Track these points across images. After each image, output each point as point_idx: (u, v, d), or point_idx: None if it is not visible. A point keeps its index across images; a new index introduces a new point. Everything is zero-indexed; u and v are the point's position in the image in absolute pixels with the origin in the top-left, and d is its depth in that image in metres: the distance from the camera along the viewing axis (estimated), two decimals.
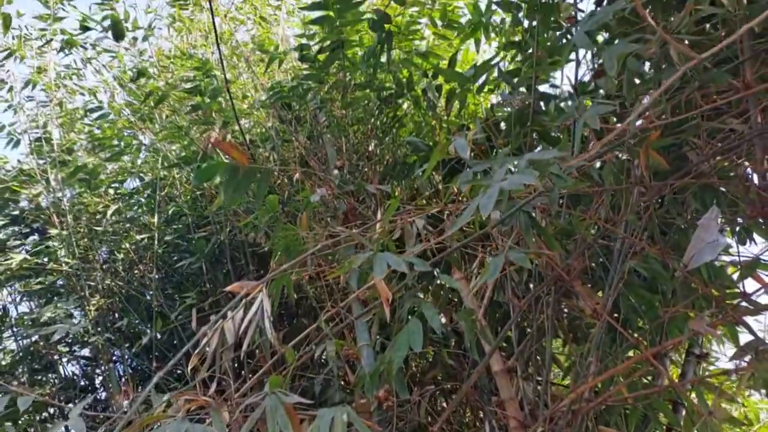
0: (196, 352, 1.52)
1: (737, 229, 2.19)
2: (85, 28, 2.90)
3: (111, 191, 3.37)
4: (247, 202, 2.86)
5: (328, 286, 2.53)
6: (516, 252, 1.34)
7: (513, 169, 1.26)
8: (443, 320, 2.66)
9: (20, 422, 3.06)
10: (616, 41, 1.54)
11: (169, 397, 1.35)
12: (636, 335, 2.15)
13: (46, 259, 3.09)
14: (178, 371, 2.89)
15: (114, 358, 3.41)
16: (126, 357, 3.35)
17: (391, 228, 1.81)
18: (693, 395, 1.99)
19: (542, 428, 1.86)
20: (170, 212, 3.30)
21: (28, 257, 2.99)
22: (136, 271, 3.31)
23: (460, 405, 2.81)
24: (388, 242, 1.83)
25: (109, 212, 3.11)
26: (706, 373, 2.05)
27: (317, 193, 1.96)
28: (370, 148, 3.10)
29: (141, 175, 3.45)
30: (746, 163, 1.97)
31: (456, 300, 2.67)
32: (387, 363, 1.89)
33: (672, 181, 1.85)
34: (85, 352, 3.70)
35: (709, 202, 2.01)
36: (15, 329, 3.36)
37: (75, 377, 3.62)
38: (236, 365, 2.60)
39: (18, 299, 3.55)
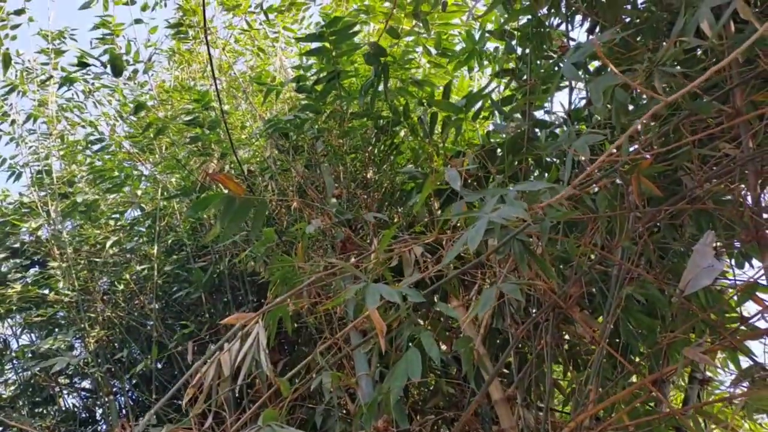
0: (191, 384, 1.52)
1: (734, 252, 2.19)
2: (83, 65, 2.95)
3: (111, 222, 3.39)
4: (246, 232, 2.87)
5: (327, 315, 2.53)
6: (509, 284, 1.34)
7: (504, 199, 1.27)
8: (443, 348, 2.65)
9: None
10: (603, 72, 1.57)
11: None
12: (637, 360, 2.14)
13: (46, 291, 3.10)
14: (178, 402, 2.87)
15: (114, 389, 3.39)
16: (126, 389, 3.34)
17: (387, 257, 1.82)
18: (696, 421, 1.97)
19: None
20: (170, 242, 3.32)
21: (29, 287, 3.00)
22: (136, 302, 3.32)
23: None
24: (385, 272, 1.84)
25: (109, 243, 3.12)
26: (706, 400, 2.03)
27: (313, 224, 1.97)
28: (368, 176, 3.13)
29: (141, 205, 3.47)
30: (741, 187, 1.98)
31: (455, 326, 2.67)
32: (385, 393, 1.88)
33: (666, 207, 1.85)
34: (86, 384, 3.69)
35: (705, 226, 2.01)
36: (15, 362, 3.35)
37: (75, 409, 3.60)
38: (237, 396, 2.59)
39: (18, 332, 3.55)
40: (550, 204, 1.31)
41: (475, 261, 1.70)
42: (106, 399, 3.28)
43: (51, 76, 3.32)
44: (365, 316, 1.65)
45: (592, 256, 2.13)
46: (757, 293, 1.94)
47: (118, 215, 3.49)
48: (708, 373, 2.48)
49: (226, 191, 1.78)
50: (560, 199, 1.12)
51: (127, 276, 3.20)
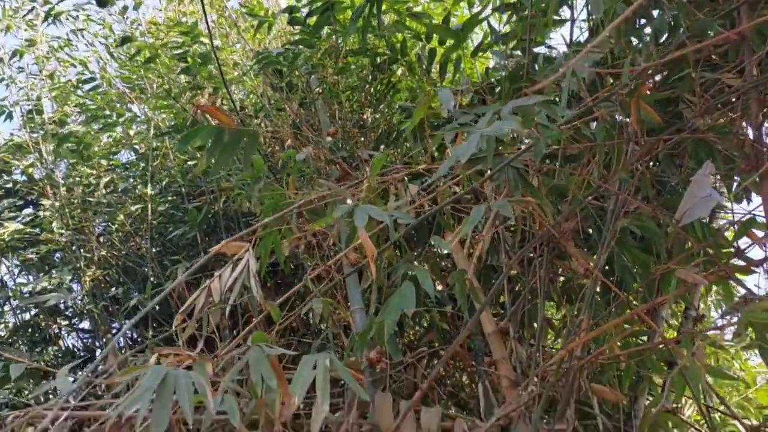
0: (180, 310, 1.51)
1: (732, 185, 2.16)
2: None
3: (104, 162, 3.35)
4: (239, 170, 2.84)
5: (323, 257, 2.52)
6: (499, 202, 1.31)
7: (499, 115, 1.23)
8: (439, 287, 2.65)
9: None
10: None
11: (150, 350, 1.34)
12: (630, 296, 2.14)
13: (39, 231, 3.09)
14: (177, 343, 2.90)
15: (113, 329, 3.42)
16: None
17: (380, 186, 1.79)
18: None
19: (533, 386, 1.86)
20: (164, 183, 3.29)
21: (24, 227, 2.99)
22: (132, 243, 3.31)
23: (455, 368, 2.82)
24: (376, 199, 1.81)
25: (102, 183, 3.09)
26: (698, 328, 2.03)
27: (304, 152, 1.93)
28: (365, 116, 3.07)
29: (134, 146, 3.43)
30: (742, 121, 1.93)
31: (451, 266, 2.66)
32: (378, 324, 1.88)
33: (666, 136, 1.81)
34: (85, 324, 3.72)
35: (704, 158, 1.97)
36: (12, 302, 3.37)
37: (75, 350, 3.63)
38: (232, 327, 2.61)
39: (16, 272, 3.56)
40: (545, 124, 1.27)
41: (470, 188, 1.67)
42: (105, 338, 3.31)
43: (34, 7, 3.21)
44: (357, 245, 1.64)
45: (586, 191, 2.10)
46: (754, 229, 1.92)
47: (111, 156, 3.44)
48: (701, 313, 2.50)
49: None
50: (565, 116, 1.08)
51: (122, 216, 3.19)
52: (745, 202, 2.23)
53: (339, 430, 1.73)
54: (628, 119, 1.89)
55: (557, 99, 1.99)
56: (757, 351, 3.38)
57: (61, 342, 3.63)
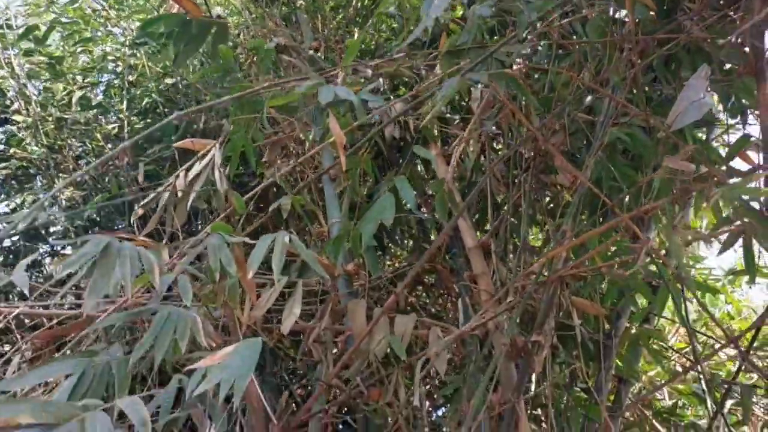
0: (141, 204, 1.44)
1: (730, 102, 2.07)
2: None
3: (79, 78, 3.22)
4: (221, 89, 2.73)
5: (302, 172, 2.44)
6: (475, 73, 1.22)
7: None
8: (424, 212, 2.59)
9: None
10: None
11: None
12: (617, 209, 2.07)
13: (8, 148, 3.00)
14: None
15: None
16: None
17: (355, 80, 1.69)
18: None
19: (512, 298, 1.81)
20: (144, 104, 3.17)
21: None
22: (111, 164, 3.21)
23: (439, 295, 2.79)
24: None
25: (75, 98, 2.97)
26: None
27: (275, 40, 1.82)
28: (351, 33, 2.93)
29: (111, 64, 3.29)
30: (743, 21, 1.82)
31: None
32: (354, 232, 1.82)
33: (661, 35, 1.71)
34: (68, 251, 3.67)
35: (699, 65, 1.87)
36: None
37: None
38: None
39: None
40: None
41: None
42: None
43: None
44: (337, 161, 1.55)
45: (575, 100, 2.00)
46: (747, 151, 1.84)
47: (87, 73, 3.31)
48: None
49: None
50: None
51: (99, 135, 3.08)
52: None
53: (311, 335, 1.68)
54: (624, 17, 1.79)
55: None
56: (744, 284, 3.34)
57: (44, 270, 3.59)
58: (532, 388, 2.24)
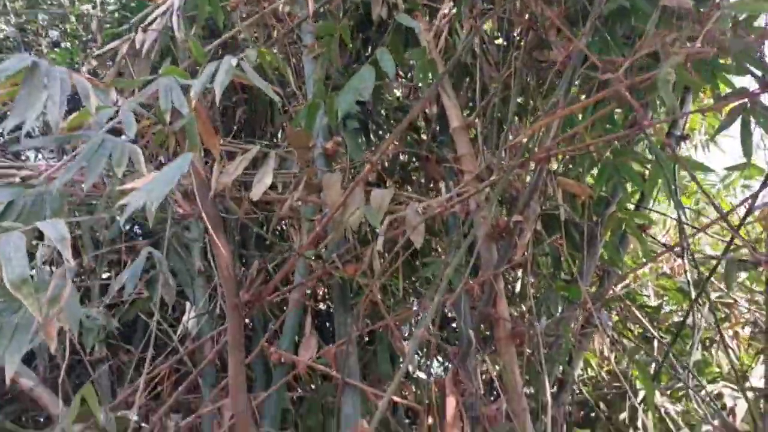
0: (95, 54, 1.33)
1: None
2: None
3: None
4: None
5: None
6: None
7: None
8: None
9: None
10: None
11: None
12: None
13: None
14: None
15: None
16: None
17: None
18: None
19: (496, 176, 1.73)
20: None
21: None
22: (88, 50, 3.07)
23: (426, 188, 2.72)
24: None
25: None
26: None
27: None
28: None
29: None
30: None
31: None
32: (330, 100, 1.72)
33: None
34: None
35: None
36: None
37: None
38: None
39: None
40: None
41: None
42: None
43: None
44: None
45: None
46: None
47: None
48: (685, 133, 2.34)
49: None
50: None
51: (74, 18, 2.92)
52: None
53: (283, 207, 1.62)
54: None
55: None
56: (738, 189, 3.24)
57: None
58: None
